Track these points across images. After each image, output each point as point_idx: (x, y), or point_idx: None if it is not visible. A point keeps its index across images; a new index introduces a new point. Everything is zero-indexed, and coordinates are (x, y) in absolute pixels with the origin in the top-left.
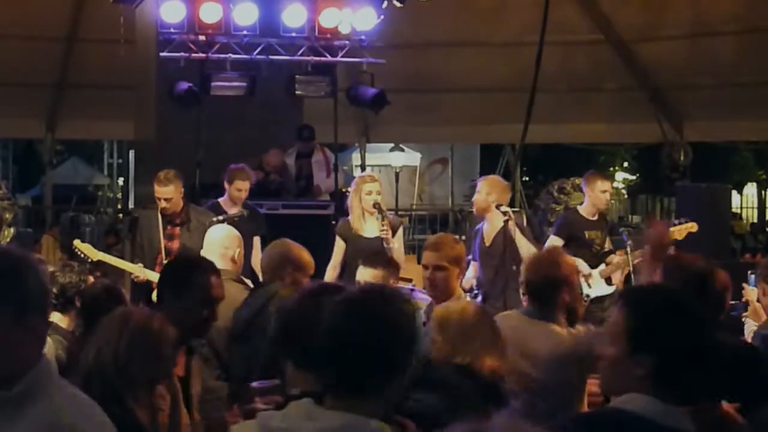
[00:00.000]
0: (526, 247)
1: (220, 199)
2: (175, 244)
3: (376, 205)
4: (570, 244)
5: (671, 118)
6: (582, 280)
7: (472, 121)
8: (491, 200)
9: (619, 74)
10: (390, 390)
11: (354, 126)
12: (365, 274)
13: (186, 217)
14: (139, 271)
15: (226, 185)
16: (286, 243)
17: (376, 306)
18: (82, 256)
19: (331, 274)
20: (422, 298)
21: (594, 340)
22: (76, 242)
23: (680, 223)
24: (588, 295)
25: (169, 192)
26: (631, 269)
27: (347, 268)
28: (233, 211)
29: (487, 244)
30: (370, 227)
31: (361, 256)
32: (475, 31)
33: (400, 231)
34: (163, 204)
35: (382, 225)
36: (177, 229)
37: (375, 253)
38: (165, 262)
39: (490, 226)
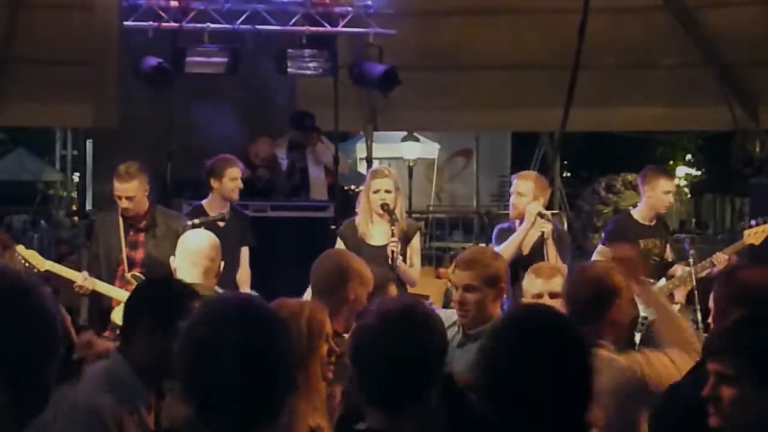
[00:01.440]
0: (554, 261)
1: (203, 202)
2: (139, 254)
3: (386, 207)
4: None
5: (744, 100)
6: (637, 298)
7: (501, 105)
8: (541, 205)
9: (680, 47)
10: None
11: (359, 111)
12: None
13: (151, 220)
14: (82, 279)
15: (212, 183)
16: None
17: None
18: (27, 265)
19: None
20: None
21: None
22: (20, 248)
23: (757, 225)
24: (646, 317)
25: (131, 189)
26: (695, 284)
27: None
28: (215, 215)
29: (525, 252)
30: (378, 233)
31: None
32: None
33: (417, 238)
34: (123, 204)
35: (392, 234)
36: (141, 236)
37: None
38: (129, 274)
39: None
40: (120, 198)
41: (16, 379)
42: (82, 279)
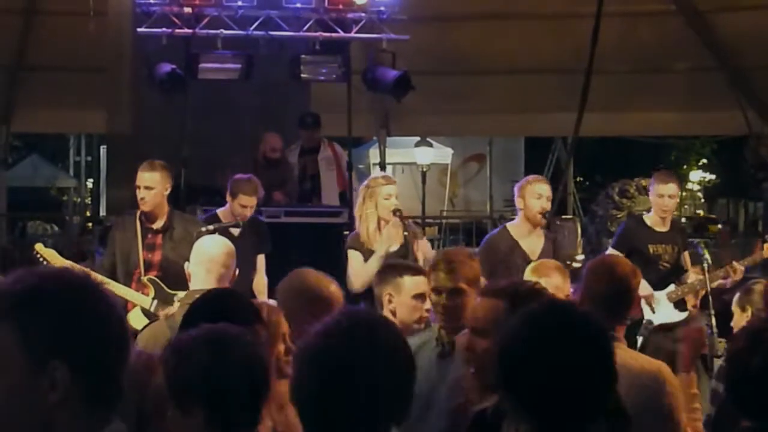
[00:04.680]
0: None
1: (219, 211)
2: (157, 256)
3: (398, 213)
4: (631, 260)
5: (757, 105)
6: (642, 302)
7: (514, 110)
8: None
9: (693, 52)
10: None
11: (372, 116)
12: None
13: (169, 223)
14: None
15: (228, 198)
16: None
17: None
18: (45, 263)
19: (359, 281)
20: None
21: None
22: (38, 246)
23: None
24: (650, 321)
25: (153, 180)
26: (709, 290)
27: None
28: (231, 221)
29: (534, 254)
30: (385, 239)
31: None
32: (519, 0)
33: (424, 243)
34: (141, 193)
35: (405, 240)
36: (159, 238)
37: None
38: (146, 278)
39: (534, 240)
40: (139, 188)
41: (85, 370)
42: (100, 278)
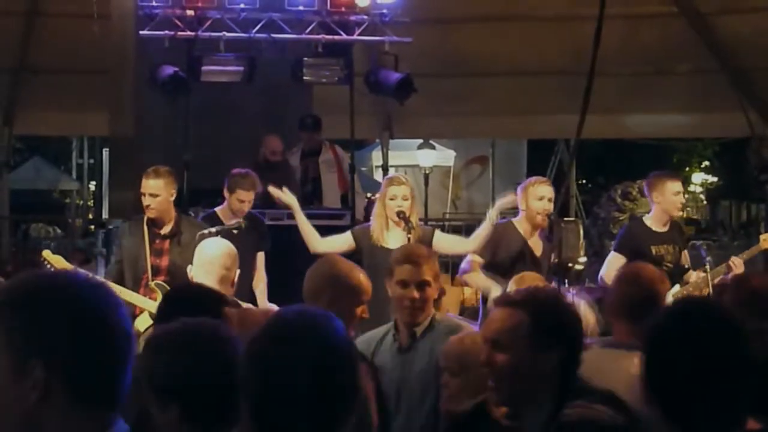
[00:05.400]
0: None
1: (217, 209)
2: (164, 261)
3: (402, 215)
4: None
5: (760, 106)
6: None
7: (517, 112)
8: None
9: (695, 54)
10: None
11: (374, 118)
12: None
13: (177, 228)
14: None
15: (225, 193)
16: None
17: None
18: (53, 270)
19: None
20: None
21: None
22: (46, 253)
23: None
24: None
25: (157, 187)
26: (711, 290)
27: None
28: (232, 223)
29: (538, 254)
30: (393, 239)
31: (378, 270)
32: (521, 2)
33: (437, 235)
34: (147, 201)
35: (408, 241)
36: (166, 243)
37: None
38: (153, 282)
39: (536, 240)
40: (144, 195)
41: (66, 369)
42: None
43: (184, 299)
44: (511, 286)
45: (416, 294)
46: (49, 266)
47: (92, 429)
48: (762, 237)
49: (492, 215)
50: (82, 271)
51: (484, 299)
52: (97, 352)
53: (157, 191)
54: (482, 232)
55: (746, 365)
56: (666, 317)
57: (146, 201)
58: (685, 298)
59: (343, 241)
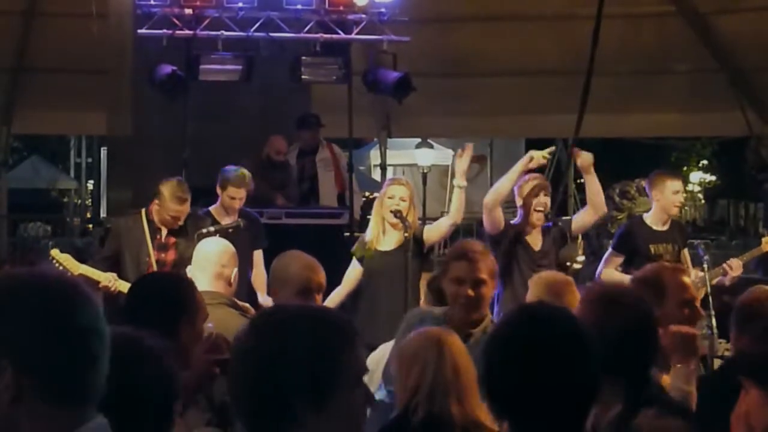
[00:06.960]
0: None
1: (211, 208)
2: (171, 255)
3: (398, 214)
4: (633, 261)
5: (758, 106)
6: None
7: (515, 111)
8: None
9: (693, 53)
10: None
11: (373, 117)
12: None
13: (182, 223)
14: (112, 280)
15: (218, 191)
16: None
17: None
18: (61, 269)
19: (334, 298)
20: None
21: None
22: (54, 252)
23: None
24: None
25: (186, 209)
26: (709, 290)
27: (365, 290)
28: (227, 221)
29: (537, 248)
30: (389, 241)
31: (376, 275)
32: (519, 1)
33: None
34: (171, 224)
35: (405, 240)
36: (172, 239)
37: None
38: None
39: (534, 228)
40: (171, 218)
41: (35, 369)
42: (112, 279)
43: (149, 293)
44: (530, 286)
45: (471, 292)
46: (59, 266)
47: (67, 426)
48: (764, 240)
49: (458, 182)
50: (93, 271)
51: None
52: (67, 351)
53: (185, 211)
54: (456, 202)
55: (576, 371)
56: (500, 323)
57: (170, 224)
58: (525, 304)
59: (353, 271)
